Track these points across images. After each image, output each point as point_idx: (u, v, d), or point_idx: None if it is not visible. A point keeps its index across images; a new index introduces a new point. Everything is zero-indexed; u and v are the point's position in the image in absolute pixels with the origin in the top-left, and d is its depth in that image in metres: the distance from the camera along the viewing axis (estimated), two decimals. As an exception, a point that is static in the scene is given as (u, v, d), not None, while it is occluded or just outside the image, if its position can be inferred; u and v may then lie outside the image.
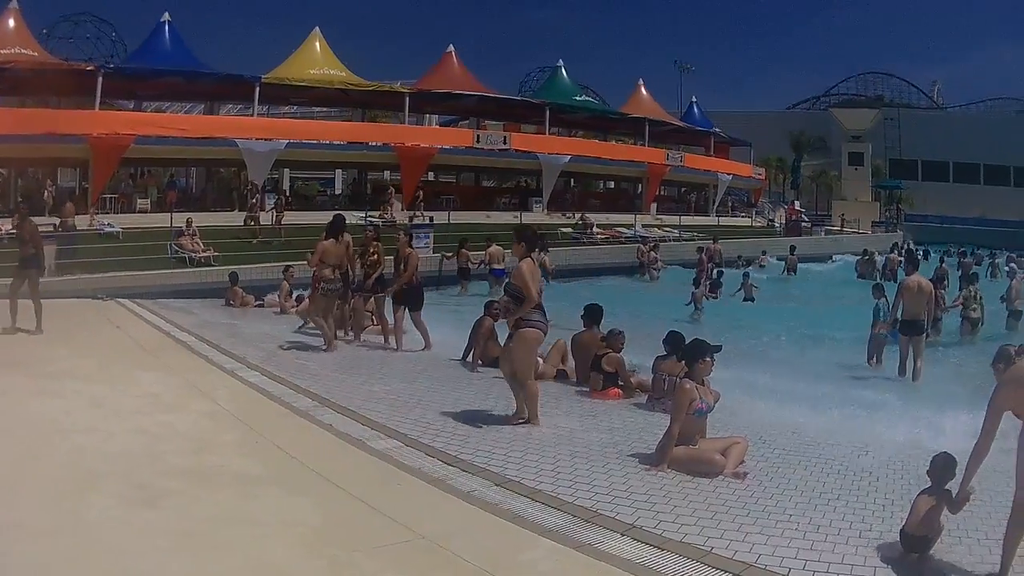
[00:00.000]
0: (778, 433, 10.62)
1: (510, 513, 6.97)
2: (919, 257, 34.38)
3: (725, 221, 56.73)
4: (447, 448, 8.84)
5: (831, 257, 50.11)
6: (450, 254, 30.27)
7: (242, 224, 32.60)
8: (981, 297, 21.61)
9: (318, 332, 15.73)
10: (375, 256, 16.37)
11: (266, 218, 33.45)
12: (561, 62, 57.10)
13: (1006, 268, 40.83)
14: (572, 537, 6.47)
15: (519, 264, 10.14)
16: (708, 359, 9.49)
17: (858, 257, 42.59)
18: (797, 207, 65.42)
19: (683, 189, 63.94)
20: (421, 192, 42.66)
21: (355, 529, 6.52)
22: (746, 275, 31.26)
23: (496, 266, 28.91)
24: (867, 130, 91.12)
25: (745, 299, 28.82)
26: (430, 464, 8.30)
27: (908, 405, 12.87)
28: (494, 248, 29.64)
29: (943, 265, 34.79)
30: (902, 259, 39.20)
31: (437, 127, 59.33)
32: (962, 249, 50.81)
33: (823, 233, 61.76)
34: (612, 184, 64.90)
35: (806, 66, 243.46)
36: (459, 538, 6.39)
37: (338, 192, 57.47)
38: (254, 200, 34.13)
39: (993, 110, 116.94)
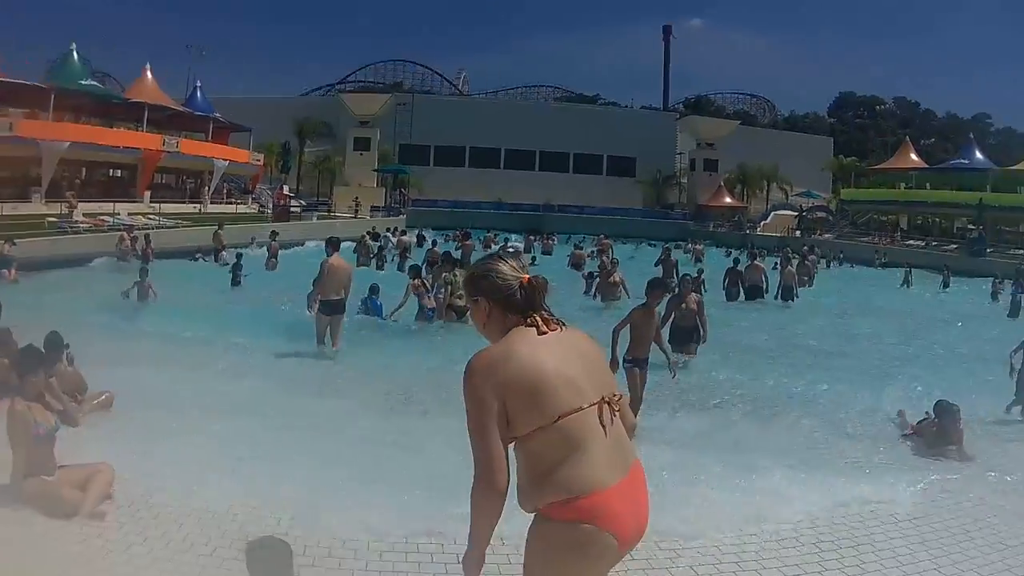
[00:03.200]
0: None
1: None
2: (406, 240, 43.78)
3: (215, 208, 64.63)
4: None
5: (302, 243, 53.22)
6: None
7: None
8: None
9: None
10: None
11: None
12: (74, 45, 64.95)
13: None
14: None
15: None
16: (41, 374, 9.32)
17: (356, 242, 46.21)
18: (286, 191, 71.36)
19: (183, 176, 72.47)
20: None
21: None
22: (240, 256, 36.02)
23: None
24: (376, 115, 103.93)
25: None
26: None
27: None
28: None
29: (435, 248, 41.05)
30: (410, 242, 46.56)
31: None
32: (465, 231, 54.58)
33: (315, 218, 70.29)
34: (119, 172, 70.70)
35: (331, 54, 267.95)
36: None
37: None
38: None
39: (523, 97, 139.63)
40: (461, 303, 23.59)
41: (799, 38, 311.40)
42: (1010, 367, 17.49)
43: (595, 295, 32.48)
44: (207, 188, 71.17)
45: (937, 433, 13.81)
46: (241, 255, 36.77)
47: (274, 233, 44.52)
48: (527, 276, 4.73)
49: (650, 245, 67.28)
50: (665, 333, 18.35)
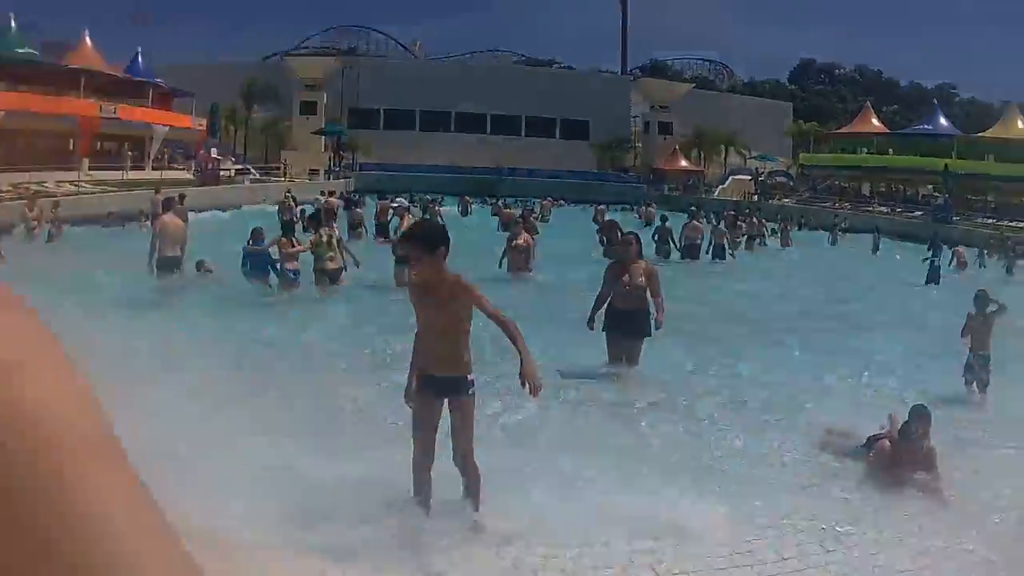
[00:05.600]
0: None
1: None
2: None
3: (156, 175, 64.08)
4: None
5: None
6: None
7: None
8: (339, 241, 23.23)
9: None
10: None
11: None
12: (12, 13, 65.31)
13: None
14: None
15: None
16: None
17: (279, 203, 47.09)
18: (214, 154, 72.06)
19: (126, 143, 71.08)
20: None
21: None
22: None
23: None
24: (323, 79, 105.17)
25: None
26: None
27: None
28: None
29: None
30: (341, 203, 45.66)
31: None
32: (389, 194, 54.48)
33: (247, 182, 71.59)
34: (58, 141, 67.80)
35: (289, 21, 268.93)
36: None
37: None
38: None
39: (477, 62, 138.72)
40: (333, 266, 22.62)
41: (763, 4, 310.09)
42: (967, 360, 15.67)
43: (500, 263, 28.20)
44: (148, 154, 70.92)
45: (892, 452, 10.69)
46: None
47: (182, 196, 39.95)
48: None
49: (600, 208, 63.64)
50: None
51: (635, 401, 13.86)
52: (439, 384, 8.18)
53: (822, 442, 12.05)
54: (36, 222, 37.58)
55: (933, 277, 35.96)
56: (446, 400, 8.24)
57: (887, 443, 10.78)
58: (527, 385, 7.90)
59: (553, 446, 11.18)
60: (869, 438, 11.36)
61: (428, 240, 8.19)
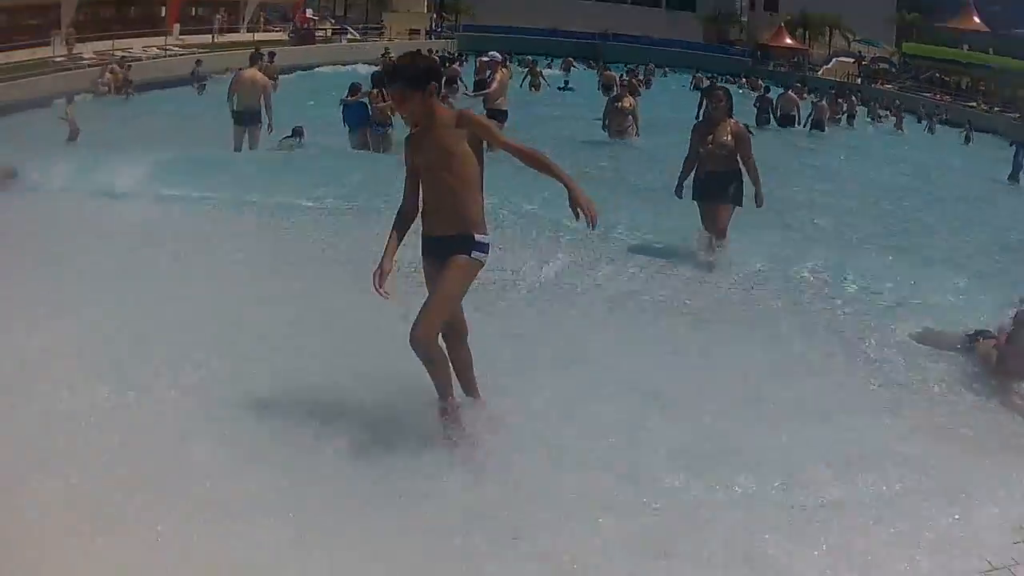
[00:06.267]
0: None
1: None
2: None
3: (231, 38, 62.65)
4: None
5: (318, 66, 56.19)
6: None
7: None
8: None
9: None
10: None
11: None
12: None
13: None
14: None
15: None
16: None
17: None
18: (309, 15, 72.35)
19: (220, 8, 68.77)
20: None
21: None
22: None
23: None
24: None
25: None
26: None
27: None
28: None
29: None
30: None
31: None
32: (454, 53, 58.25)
33: (344, 41, 70.99)
34: (146, 8, 66.63)
35: None
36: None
37: None
38: None
39: None
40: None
41: None
42: None
43: (603, 125, 27.32)
44: (243, 18, 69.94)
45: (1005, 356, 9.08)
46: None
47: (271, 54, 36.87)
48: None
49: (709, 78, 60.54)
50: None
51: (716, 283, 12.40)
52: (439, 244, 6.74)
53: (920, 336, 10.42)
54: (107, 87, 37.71)
55: (1015, 174, 35.35)
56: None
57: (992, 347, 9.27)
58: (580, 215, 6.46)
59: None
60: (971, 333, 9.81)
61: (416, 75, 6.70)
